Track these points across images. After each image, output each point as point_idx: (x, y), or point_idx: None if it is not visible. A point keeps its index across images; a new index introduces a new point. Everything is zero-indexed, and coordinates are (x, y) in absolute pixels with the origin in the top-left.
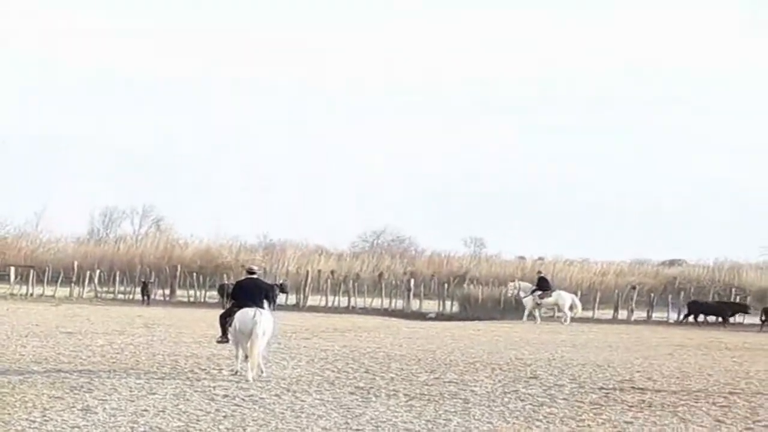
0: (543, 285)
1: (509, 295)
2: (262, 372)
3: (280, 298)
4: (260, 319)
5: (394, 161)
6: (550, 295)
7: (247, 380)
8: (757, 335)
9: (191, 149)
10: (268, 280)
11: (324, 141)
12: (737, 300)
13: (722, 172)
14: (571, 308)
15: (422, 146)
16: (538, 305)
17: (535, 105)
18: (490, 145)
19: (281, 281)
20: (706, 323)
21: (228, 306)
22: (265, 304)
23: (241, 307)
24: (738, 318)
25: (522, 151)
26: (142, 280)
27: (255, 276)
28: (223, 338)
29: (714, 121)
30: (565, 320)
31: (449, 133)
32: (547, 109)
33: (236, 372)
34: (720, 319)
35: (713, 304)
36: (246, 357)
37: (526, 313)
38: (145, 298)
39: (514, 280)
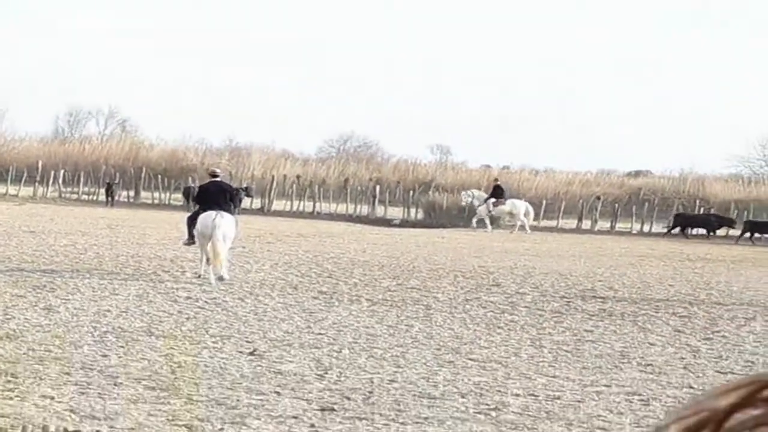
0: (497, 193)
1: (463, 203)
2: (223, 278)
3: (245, 202)
4: (220, 222)
5: (363, 66)
6: (504, 203)
7: (210, 283)
8: (720, 247)
9: (159, 51)
10: (234, 184)
11: (293, 42)
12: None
13: (688, 85)
14: (525, 215)
15: (392, 52)
16: (491, 213)
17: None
18: (460, 52)
19: (246, 185)
20: (692, 236)
21: (194, 210)
22: (231, 207)
23: (205, 210)
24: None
25: (491, 58)
26: (107, 181)
27: (219, 179)
28: (190, 240)
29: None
30: (525, 228)
31: (420, 39)
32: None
33: (200, 275)
34: (706, 232)
35: (700, 217)
36: (208, 260)
37: (475, 219)
38: (109, 199)
39: (468, 189)
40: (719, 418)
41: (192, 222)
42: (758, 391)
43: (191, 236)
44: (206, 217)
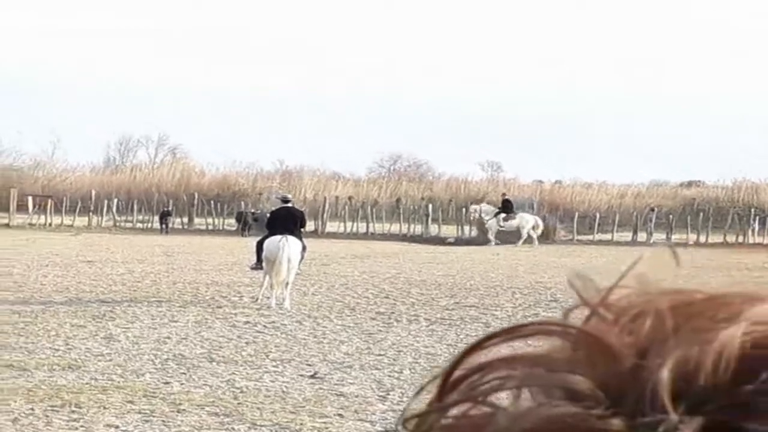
0: (506, 208)
1: (472, 218)
2: (283, 305)
3: None
4: (284, 246)
5: (411, 86)
6: (514, 218)
7: (269, 307)
8: None
9: (207, 77)
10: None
11: (340, 65)
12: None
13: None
14: (533, 228)
15: (440, 70)
16: (501, 228)
17: None
18: (509, 68)
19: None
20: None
21: (264, 234)
22: (299, 233)
23: (274, 234)
24: None
25: (541, 73)
26: (162, 209)
27: (289, 205)
28: (257, 265)
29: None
30: (533, 241)
31: (467, 56)
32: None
33: (257, 299)
34: None
35: None
36: (272, 285)
37: (493, 236)
38: (164, 226)
39: (477, 203)
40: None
41: (260, 246)
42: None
43: (259, 260)
44: (272, 241)
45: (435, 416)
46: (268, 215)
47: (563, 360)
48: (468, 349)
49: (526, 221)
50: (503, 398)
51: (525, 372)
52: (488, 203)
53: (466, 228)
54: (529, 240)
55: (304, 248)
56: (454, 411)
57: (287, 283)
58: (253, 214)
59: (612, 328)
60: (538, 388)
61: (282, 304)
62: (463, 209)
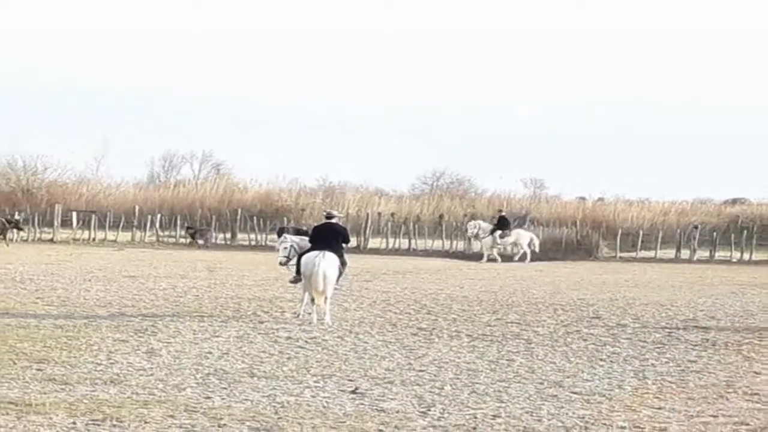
0: (503, 224)
1: (469, 234)
2: (324, 316)
3: None
4: (321, 261)
5: (454, 102)
6: (510, 235)
7: (311, 323)
8: None
9: (247, 93)
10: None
11: (384, 80)
12: None
13: None
14: (529, 245)
15: (484, 86)
16: (498, 245)
17: None
18: (551, 84)
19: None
20: None
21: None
22: (340, 249)
23: (313, 250)
24: None
25: (582, 90)
26: (186, 225)
27: (333, 221)
28: (296, 277)
29: None
30: (526, 257)
31: (511, 73)
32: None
33: (298, 315)
34: None
35: None
36: (313, 300)
37: (486, 253)
38: (201, 242)
39: (474, 219)
40: None
41: (299, 261)
42: None
43: (298, 273)
44: (309, 257)
45: None
46: (291, 228)
47: None
48: None
49: (523, 237)
50: None
51: None
52: (533, 221)
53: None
54: (523, 256)
55: (344, 264)
56: None
57: (326, 298)
58: (297, 230)
59: None
60: None
61: (323, 319)
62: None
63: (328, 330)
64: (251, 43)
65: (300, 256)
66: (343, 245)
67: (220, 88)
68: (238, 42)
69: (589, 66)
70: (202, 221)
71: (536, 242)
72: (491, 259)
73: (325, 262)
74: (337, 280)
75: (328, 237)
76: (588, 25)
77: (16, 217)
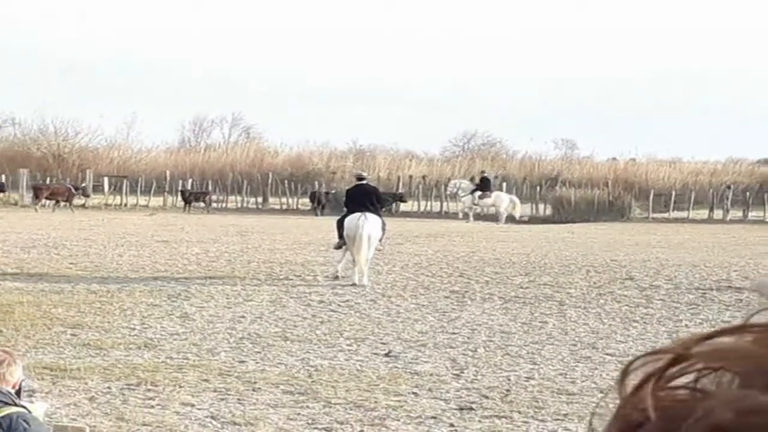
0: (484, 185)
1: (449, 193)
2: (359, 283)
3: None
4: (364, 223)
5: (485, 64)
6: (489, 196)
7: (354, 284)
8: None
9: (279, 58)
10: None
11: (414, 44)
12: None
13: None
14: (506, 208)
15: (514, 48)
16: (476, 205)
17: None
18: (581, 45)
19: (401, 192)
20: None
21: (343, 213)
22: (376, 209)
23: (352, 212)
24: None
25: (612, 50)
26: (179, 189)
27: (364, 182)
28: (341, 242)
29: None
30: (501, 220)
31: (541, 35)
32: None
33: (337, 276)
34: None
35: None
36: (354, 261)
37: (466, 210)
38: (200, 205)
39: (455, 179)
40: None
41: (341, 225)
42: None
43: (341, 238)
44: (351, 219)
45: (649, 388)
46: (324, 193)
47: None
48: (678, 341)
49: (501, 200)
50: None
51: (732, 362)
52: (565, 183)
53: (541, 206)
54: (499, 217)
55: (383, 225)
56: (668, 387)
57: (366, 260)
58: (326, 193)
59: None
60: (745, 378)
61: (361, 280)
62: (537, 187)
63: (361, 294)
64: (282, 10)
65: (339, 220)
66: (378, 205)
67: (250, 52)
68: (268, 8)
69: (620, 29)
70: (233, 185)
71: (518, 206)
72: (465, 217)
73: (368, 223)
74: (380, 240)
75: (363, 198)
76: None
77: (83, 183)
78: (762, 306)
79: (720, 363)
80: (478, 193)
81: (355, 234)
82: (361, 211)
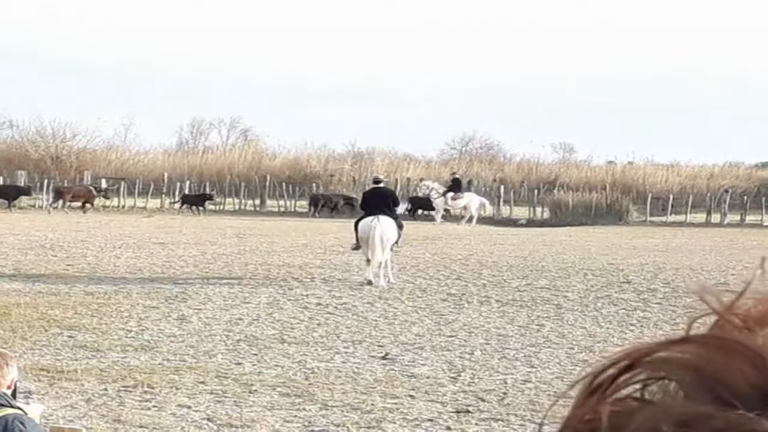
0: (455, 186)
1: (421, 194)
2: (389, 279)
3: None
4: (377, 226)
5: (483, 66)
6: (462, 197)
7: (371, 284)
8: None
9: (276, 60)
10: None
11: (410, 47)
12: None
13: None
14: (478, 209)
15: (512, 51)
16: (447, 206)
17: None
18: (580, 48)
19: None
20: None
21: (360, 216)
22: (392, 212)
23: (367, 215)
24: None
25: (610, 55)
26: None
27: (381, 186)
28: (357, 245)
29: None
30: (470, 221)
31: (538, 37)
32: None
33: (370, 282)
34: None
35: None
36: (368, 261)
37: (438, 213)
38: (197, 209)
39: (424, 180)
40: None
41: (357, 227)
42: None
43: (358, 240)
44: (365, 222)
45: (595, 399)
46: (321, 196)
47: (711, 364)
48: (623, 352)
49: (473, 201)
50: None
51: (674, 373)
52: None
53: (538, 209)
54: (470, 219)
55: (400, 227)
56: (613, 397)
57: (382, 262)
58: (346, 198)
59: (751, 334)
60: (687, 388)
61: (389, 283)
62: (535, 191)
63: (358, 296)
64: (279, 11)
65: (356, 222)
66: (394, 208)
67: (247, 54)
68: (267, 9)
69: (618, 30)
70: (230, 188)
71: (488, 207)
72: (436, 219)
73: (381, 225)
74: (397, 242)
75: (379, 201)
76: None
77: (104, 185)
78: (702, 312)
79: (663, 373)
80: (450, 194)
81: (368, 236)
82: (375, 214)
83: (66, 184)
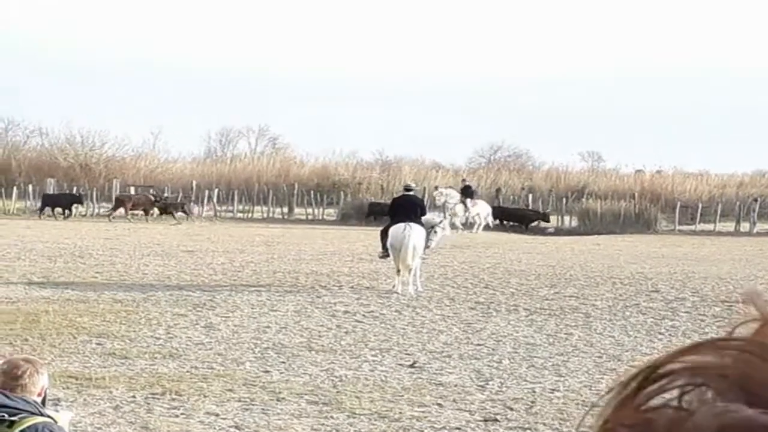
0: (468, 193)
1: (437, 203)
2: (417, 287)
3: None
4: (409, 233)
5: (512, 76)
6: (477, 204)
7: (398, 293)
8: None
9: (306, 68)
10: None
11: (441, 54)
12: None
13: None
14: (486, 217)
15: (541, 60)
16: (467, 213)
17: None
18: (609, 58)
19: (545, 211)
20: None
21: (387, 223)
22: (421, 220)
23: (396, 223)
24: None
25: (639, 64)
26: (155, 197)
27: (411, 193)
28: (384, 253)
29: None
30: (479, 229)
31: (568, 46)
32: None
33: (398, 292)
34: None
35: None
36: (398, 271)
37: (458, 220)
38: (178, 214)
39: (439, 188)
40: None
41: (384, 235)
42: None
43: (385, 248)
44: (396, 229)
45: (632, 406)
46: (390, 202)
47: (752, 369)
48: (659, 358)
49: (483, 209)
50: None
51: (712, 379)
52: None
53: (566, 218)
54: (478, 226)
55: (426, 235)
56: (651, 404)
57: (410, 270)
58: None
59: None
60: (726, 394)
61: (417, 291)
62: (563, 199)
63: (386, 304)
64: (308, 19)
65: (384, 229)
66: (421, 217)
67: (276, 63)
68: (295, 17)
69: (648, 38)
70: (259, 195)
71: (490, 217)
72: (456, 228)
73: (414, 234)
74: (424, 251)
75: (408, 209)
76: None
77: (166, 195)
78: (747, 317)
79: (701, 379)
80: (469, 201)
81: (400, 245)
82: (404, 221)
83: (125, 192)
